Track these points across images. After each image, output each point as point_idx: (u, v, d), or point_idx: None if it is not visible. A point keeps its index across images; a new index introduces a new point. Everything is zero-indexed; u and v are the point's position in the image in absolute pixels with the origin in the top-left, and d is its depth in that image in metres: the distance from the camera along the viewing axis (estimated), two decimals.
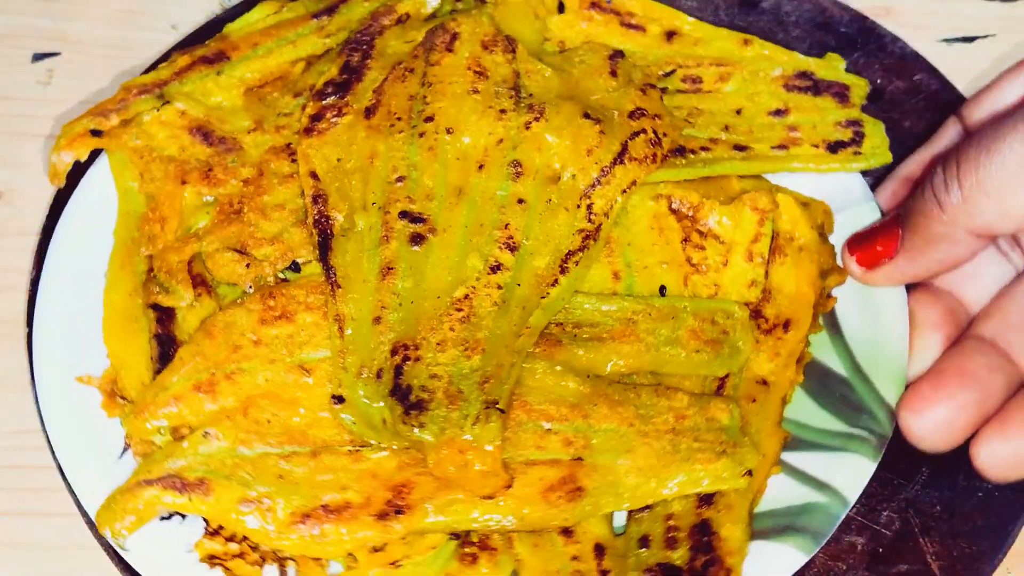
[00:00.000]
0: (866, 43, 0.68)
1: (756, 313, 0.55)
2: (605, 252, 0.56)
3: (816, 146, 0.60)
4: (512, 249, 0.53)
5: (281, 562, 0.48)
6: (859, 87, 0.62)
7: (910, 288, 0.55)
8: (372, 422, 0.49)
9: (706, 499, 0.49)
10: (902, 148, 0.61)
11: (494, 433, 0.47)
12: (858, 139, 0.60)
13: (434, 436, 0.47)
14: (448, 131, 0.56)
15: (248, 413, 0.49)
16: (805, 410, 0.54)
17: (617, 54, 0.62)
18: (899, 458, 0.52)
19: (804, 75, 0.62)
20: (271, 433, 0.49)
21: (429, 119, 0.57)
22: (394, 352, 0.50)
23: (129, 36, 0.71)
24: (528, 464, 0.48)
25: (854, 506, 0.50)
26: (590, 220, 0.54)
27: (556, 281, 0.52)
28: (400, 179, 0.55)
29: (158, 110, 0.59)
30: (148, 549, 0.48)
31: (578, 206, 0.55)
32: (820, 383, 0.54)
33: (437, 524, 0.47)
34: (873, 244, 0.54)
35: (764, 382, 0.53)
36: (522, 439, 0.49)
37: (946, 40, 0.71)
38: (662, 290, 0.55)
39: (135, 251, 0.56)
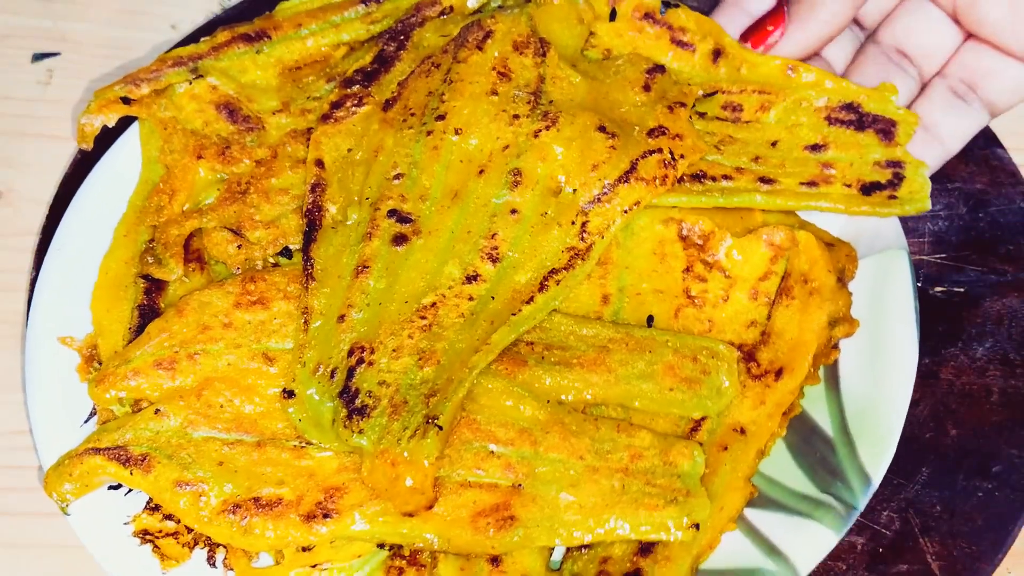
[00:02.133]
0: None
1: (749, 356, 0.53)
2: (599, 273, 0.55)
3: (849, 185, 0.57)
4: (494, 260, 0.52)
5: (211, 547, 0.48)
6: (908, 124, 0.58)
7: None
8: (319, 421, 0.50)
9: (646, 548, 0.48)
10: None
11: (429, 450, 0.46)
12: (896, 182, 0.56)
13: (371, 444, 0.47)
14: (457, 131, 0.56)
15: (202, 395, 0.50)
16: (780, 466, 0.51)
17: (657, 69, 0.60)
18: (899, 458, 0.52)
19: (850, 107, 0.59)
20: (221, 418, 0.50)
21: (441, 117, 0.56)
22: (351, 353, 0.50)
23: (129, 36, 0.73)
24: (464, 485, 0.48)
25: None
26: (582, 238, 0.53)
27: (532, 299, 0.51)
28: (398, 176, 0.55)
29: (191, 83, 0.60)
30: (89, 515, 0.49)
31: (572, 222, 0.54)
32: (803, 439, 0.52)
33: (363, 532, 0.47)
34: (763, 26, 0.59)
35: (742, 430, 0.51)
36: (464, 458, 0.48)
37: None
38: (649, 320, 0.53)
39: (142, 220, 0.58)
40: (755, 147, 0.59)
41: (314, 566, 0.49)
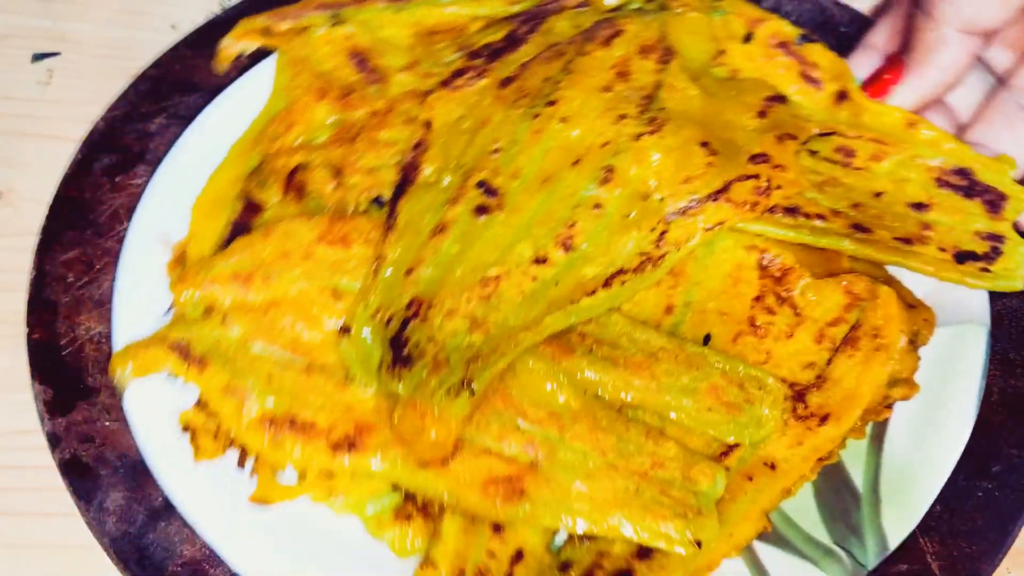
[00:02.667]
0: None
1: (798, 396, 0.53)
2: (669, 283, 0.56)
3: (944, 250, 0.56)
4: (567, 248, 0.54)
5: (243, 452, 0.51)
6: (1019, 200, 0.56)
7: None
8: (367, 361, 0.52)
9: (644, 552, 0.49)
10: None
11: (458, 410, 0.48)
12: (993, 255, 0.56)
13: (406, 392, 0.50)
14: (563, 119, 0.57)
15: (268, 313, 0.54)
16: (800, 507, 0.52)
17: (777, 98, 0.61)
18: None
19: (963, 173, 0.58)
20: (279, 338, 0.53)
21: (551, 103, 0.58)
22: (409, 305, 0.52)
23: (129, 36, 0.73)
24: (484, 451, 0.50)
25: None
26: (657, 246, 0.54)
27: (594, 292, 0.52)
28: (496, 151, 0.57)
29: (330, 28, 0.64)
30: (144, 400, 0.53)
31: (652, 229, 0.55)
32: (832, 487, 0.52)
33: (380, 471, 0.50)
34: (881, 75, 0.59)
35: (773, 466, 0.51)
36: (490, 426, 0.50)
37: None
38: (706, 339, 0.54)
39: (256, 145, 0.62)
40: (858, 194, 0.59)
41: (333, 493, 0.51)
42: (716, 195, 0.55)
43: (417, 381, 0.50)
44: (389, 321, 0.53)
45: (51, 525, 0.55)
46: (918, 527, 0.52)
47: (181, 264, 0.58)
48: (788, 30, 0.63)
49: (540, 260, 0.54)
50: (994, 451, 0.54)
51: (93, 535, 0.52)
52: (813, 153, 0.61)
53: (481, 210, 0.55)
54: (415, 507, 0.51)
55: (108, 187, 0.61)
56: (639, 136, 0.57)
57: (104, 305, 0.57)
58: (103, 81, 0.70)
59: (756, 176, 0.56)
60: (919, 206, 0.58)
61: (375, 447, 0.50)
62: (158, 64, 0.65)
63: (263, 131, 0.63)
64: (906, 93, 0.59)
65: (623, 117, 0.58)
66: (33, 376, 0.56)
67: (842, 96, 0.62)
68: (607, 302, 0.53)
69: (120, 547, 0.51)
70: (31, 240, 0.61)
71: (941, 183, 0.58)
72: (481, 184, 0.56)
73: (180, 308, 0.56)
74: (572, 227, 0.55)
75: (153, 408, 0.54)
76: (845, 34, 0.68)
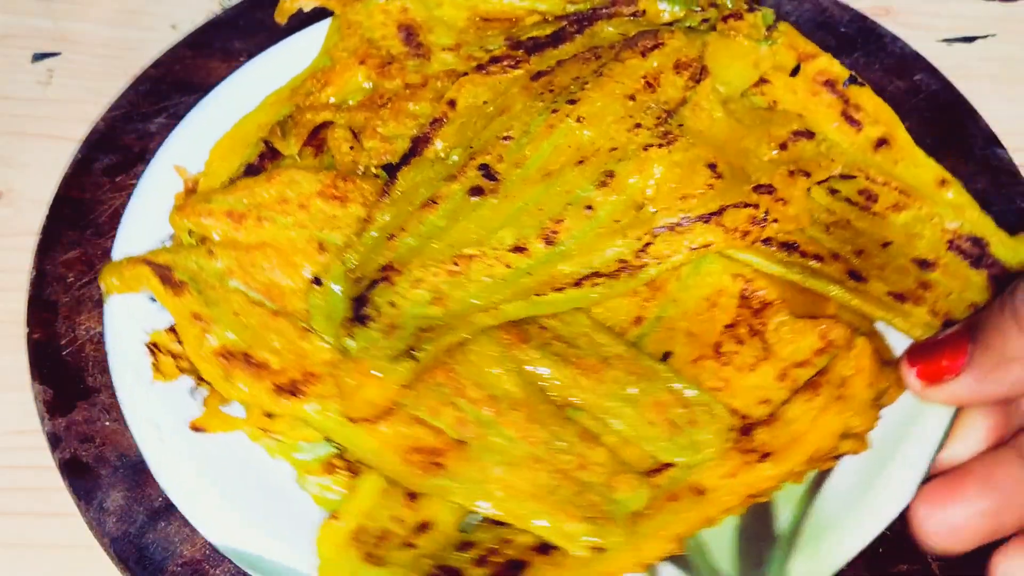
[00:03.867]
0: (866, 43, 0.70)
1: (745, 429, 0.53)
2: (646, 295, 0.57)
3: (935, 314, 0.55)
4: (548, 243, 0.55)
5: (198, 380, 0.54)
6: None
7: None
8: (330, 314, 0.54)
9: (545, 548, 0.49)
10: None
11: (398, 375, 0.50)
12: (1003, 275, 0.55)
13: (355, 349, 0.52)
14: (579, 119, 0.59)
15: (252, 253, 0.56)
16: (719, 539, 0.51)
17: (805, 133, 0.60)
18: None
19: (977, 241, 0.58)
20: (257, 279, 0.56)
21: (572, 101, 0.60)
22: (383, 268, 0.54)
23: (129, 36, 0.74)
24: (416, 420, 0.51)
25: None
26: (638, 256, 0.55)
27: (563, 289, 0.53)
28: (507, 138, 0.59)
29: None
30: (121, 317, 0.56)
31: (638, 239, 0.55)
32: (754, 526, 0.52)
33: (313, 420, 0.52)
34: (939, 357, 0.50)
35: (701, 492, 0.51)
36: (427, 397, 0.52)
37: (946, 40, 0.74)
38: (666, 356, 0.54)
39: (291, 97, 0.64)
40: (866, 240, 0.59)
41: (269, 432, 0.53)
42: (709, 217, 0.56)
43: (369, 340, 0.52)
44: (360, 280, 0.55)
45: (51, 525, 0.56)
46: None
47: (190, 195, 0.61)
48: (837, 69, 0.63)
49: (519, 249, 0.55)
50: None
51: (93, 535, 0.53)
52: (834, 192, 0.60)
53: (476, 191, 0.57)
54: (344, 463, 0.53)
55: (108, 187, 0.63)
56: (647, 147, 0.58)
57: (104, 305, 0.58)
58: (103, 81, 0.71)
59: (755, 206, 0.56)
60: (924, 263, 0.57)
61: (315, 396, 0.52)
62: (158, 64, 0.67)
63: (299, 85, 0.66)
64: (955, 390, 0.50)
65: (638, 126, 0.59)
66: (33, 376, 0.57)
67: (882, 142, 0.62)
68: (573, 302, 0.54)
69: (120, 547, 0.52)
70: (31, 240, 0.63)
71: (952, 246, 0.57)
72: (483, 167, 0.58)
73: (177, 236, 0.59)
74: (559, 223, 0.56)
75: (129, 324, 0.57)
76: (845, 34, 0.69)
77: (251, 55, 0.67)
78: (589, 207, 0.56)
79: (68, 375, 0.57)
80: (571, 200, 0.57)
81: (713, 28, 0.65)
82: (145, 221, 0.61)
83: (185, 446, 0.54)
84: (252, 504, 0.52)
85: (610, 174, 0.57)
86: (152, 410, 0.54)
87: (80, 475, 0.54)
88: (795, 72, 0.64)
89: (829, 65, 0.64)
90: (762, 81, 0.64)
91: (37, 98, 0.71)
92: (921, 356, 0.51)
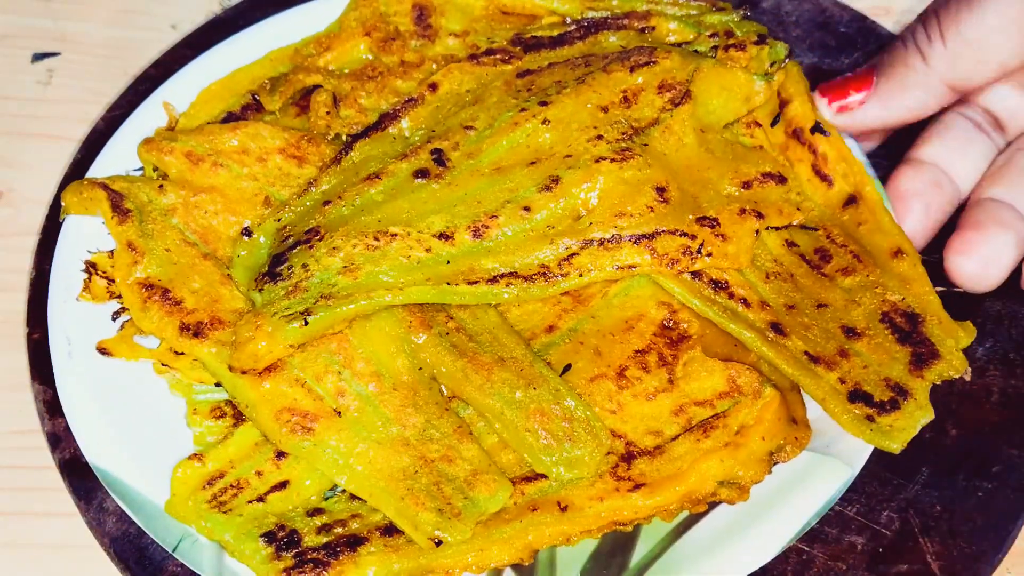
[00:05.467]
0: (866, 43, 0.70)
1: (627, 456, 0.53)
2: (567, 306, 0.58)
3: (843, 382, 0.54)
4: (476, 235, 0.55)
5: (121, 309, 0.57)
6: (949, 366, 0.54)
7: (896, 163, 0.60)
8: (250, 265, 0.56)
9: (391, 529, 0.50)
10: (901, 146, 0.63)
11: (286, 336, 0.51)
12: (888, 407, 0.54)
13: (258, 303, 0.53)
14: (545, 121, 0.59)
15: (200, 195, 0.59)
16: (572, 557, 0.51)
17: (775, 177, 0.60)
18: (899, 458, 0.53)
19: (912, 318, 0.56)
20: (197, 220, 0.58)
21: (544, 103, 0.60)
22: (308, 231, 0.55)
23: (129, 36, 0.74)
24: (299, 381, 0.52)
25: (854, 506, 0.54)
26: (560, 265, 0.54)
27: (476, 283, 0.53)
28: (470, 128, 0.60)
29: None
30: (73, 234, 0.59)
31: (566, 248, 0.55)
32: (609, 553, 0.51)
33: (207, 361, 0.54)
34: (846, 87, 0.60)
35: (564, 508, 0.51)
36: (315, 362, 0.52)
37: None
38: (566, 368, 0.54)
39: (292, 57, 0.66)
40: (802, 297, 0.57)
41: (169, 368, 0.55)
42: (640, 238, 0.55)
43: (272, 297, 0.53)
44: (286, 239, 0.56)
45: (51, 525, 0.56)
46: (918, 527, 0.52)
47: (168, 131, 0.63)
48: (804, 114, 0.62)
49: (445, 236, 0.55)
50: (994, 451, 0.55)
51: (93, 535, 0.54)
52: (790, 244, 0.59)
53: (421, 173, 0.58)
54: (232, 411, 0.54)
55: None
56: (600, 159, 0.57)
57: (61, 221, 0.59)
58: (103, 81, 0.71)
59: (692, 236, 0.56)
60: (851, 331, 0.56)
61: (215, 341, 0.54)
62: (158, 64, 0.68)
63: (304, 47, 0.67)
64: (862, 115, 0.60)
65: (599, 138, 0.58)
66: (33, 376, 0.58)
67: (851, 200, 0.60)
68: (482, 297, 0.54)
69: (120, 547, 0.53)
70: (31, 240, 0.64)
71: (885, 318, 0.56)
72: (436, 152, 0.58)
73: (145, 165, 0.61)
74: (493, 219, 0.56)
75: (77, 243, 0.59)
76: (845, 34, 0.70)
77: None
78: (527, 208, 0.56)
79: None
80: (511, 198, 0.57)
81: (714, 52, 0.64)
82: (123, 151, 0.63)
83: (90, 365, 0.55)
84: (134, 432, 0.54)
85: (555, 179, 0.57)
86: (69, 324, 0.56)
87: (80, 475, 0.54)
88: (775, 122, 0.63)
89: (801, 111, 0.62)
90: (756, 123, 0.62)
91: (37, 98, 0.71)
92: (831, 87, 0.61)
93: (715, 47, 0.65)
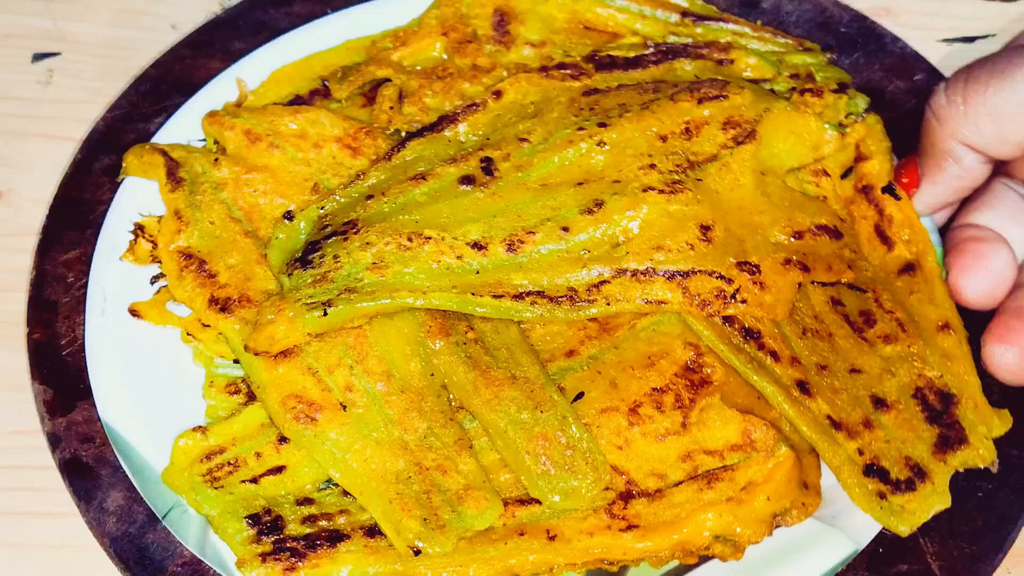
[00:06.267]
0: (866, 43, 0.70)
1: (625, 496, 0.52)
2: (591, 332, 0.56)
3: (862, 453, 0.53)
4: (510, 250, 0.55)
5: (160, 274, 0.58)
6: (976, 454, 0.53)
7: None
8: (286, 249, 0.56)
9: (374, 531, 0.50)
10: (901, 148, 0.62)
11: (304, 324, 0.52)
12: (903, 487, 0.52)
13: (286, 287, 0.53)
14: (599, 143, 0.58)
15: (253, 174, 0.60)
16: None
17: (828, 230, 0.58)
18: None
19: (946, 398, 0.55)
20: (246, 198, 0.59)
21: (603, 124, 0.59)
22: (345, 223, 0.55)
23: (129, 36, 0.73)
24: (311, 370, 0.52)
25: None
26: (588, 291, 0.54)
27: (501, 297, 0.53)
28: (524, 140, 0.59)
29: None
30: (129, 195, 0.61)
31: (596, 273, 0.54)
32: None
33: (229, 336, 0.55)
34: (899, 179, 0.60)
35: (552, 537, 0.50)
36: (330, 354, 0.53)
37: (946, 40, 0.74)
38: (579, 396, 0.53)
39: (369, 48, 0.67)
40: (836, 359, 0.55)
41: (194, 338, 0.56)
42: (674, 275, 0.54)
43: (299, 283, 0.53)
44: (324, 228, 0.56)
45: (51, 525, 0.56)
46: (918, 528, 0.52)
47: (238, 105, 0.65)
48: (879, 172, 0.60)
49: (479, 246, 0.55)
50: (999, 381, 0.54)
51: (93, 535, 0.53)
52: (836, 303, 0.57)
53: (468, 180, 0.57)
54: (247, 389, 0.55)
55: (108, 187, 0.62)
56: (648, 189, 0.56)
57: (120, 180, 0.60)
58: (103, 81, 0.71)
59: (728, 280, 0.54)
60: (880, 402, 0.54)
61: (240, 318, 0.54)
62: (158, 64, 0.68)
63: (381, 39, 0.68)
64: (921, 198, 0.59)
65: (652, 167, 0.57)
66: (33, 376, 0.57)
67: (908, 268, 0.58)
68: (506, 312, 0.53)
69: (120, 547, 0.52)
70: (31, 240, 0.63)
71: (918, 394, 0.54)
72: (486, 160, 0.58)
73: (207, 137, 0.63)
74: (529, 235, 0.55)
75: (132, 204, 0.61)
76: (845, 34, 0.69)
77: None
78: (566, 228, 0.55)
79: (68, 375, 0.57)
80: (552, 216, 0.56)
81: (793, 93, 0.62)
82: (192, 120, 0.64)
83: (120, 324, 0.57)
84: (150, 396, 0.55)
85: (599, 203, 0.56)
86: (108, 282, 0.58)
87: (80, 475, 0.54)
88: (846, 174, 0.61)
89: (877, 168, 0.60)
90: (825, 173, 0.60)
91: (37, 98, 0.71)
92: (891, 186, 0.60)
93: (793, 89, 0.63)
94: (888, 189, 0.59)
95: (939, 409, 0.53)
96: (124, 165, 0.61)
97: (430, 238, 0.55)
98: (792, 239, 0.57)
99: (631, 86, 0.63)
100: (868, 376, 0.54)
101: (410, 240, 0.54)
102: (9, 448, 0.58)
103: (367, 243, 0.54)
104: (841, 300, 0.58)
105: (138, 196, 0.61)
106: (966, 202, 0.60)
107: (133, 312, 0.57)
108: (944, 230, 0.60)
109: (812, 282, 0.57)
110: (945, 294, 0.56)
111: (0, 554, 0.55)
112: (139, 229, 0.60)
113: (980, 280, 0.55)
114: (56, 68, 0.71)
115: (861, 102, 0.62)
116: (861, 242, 0.59)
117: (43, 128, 0.69)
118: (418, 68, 0.66)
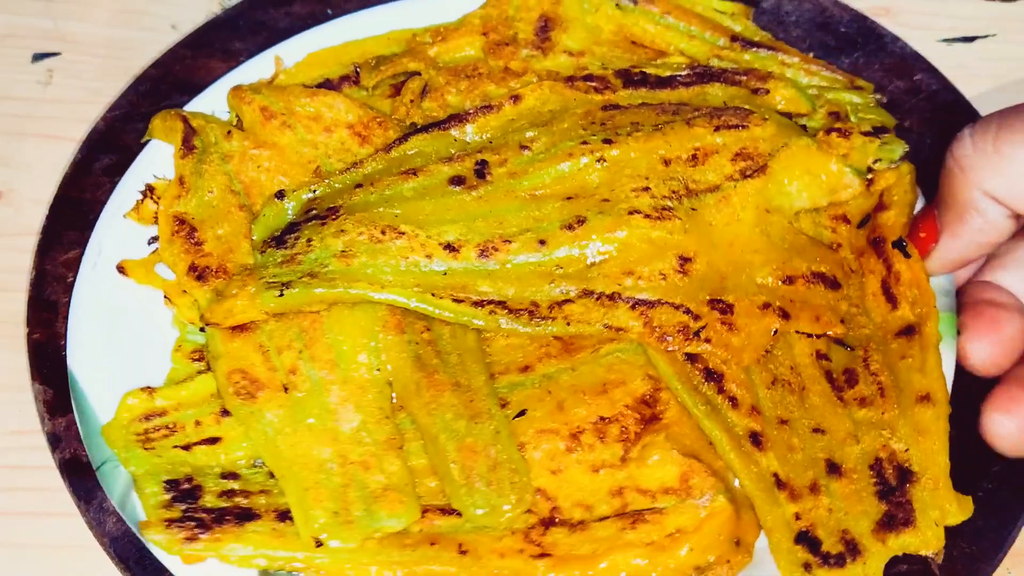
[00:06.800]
0: (866, 43, 0.70)
1: (547, 522, 0.50)
2: (552, 351, 0.55)
3: (799, 518, 0.50)
4: (483, 255, 0.54)
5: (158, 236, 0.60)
6: (924, 539, 0.49)
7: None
8: (270, 227, 0.57)
9: (285, 515, 0.50)
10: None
11: (262, 301, 0.52)
12: (834, 563, 0.49)
13: (253, 263, 0.54)
14: (600, 160, 0.57)
15: (261, 150, 0.61)
16: None
17: (827, 280, 0.56)
18: None
19: (904, 472, 0.52)
20: (248, 174, 0.60)
21: (608, 141, 0.58)
22: (328, 209, 0.56)
23: (129, 36, 0.73)
24: (262, 348, 0.53)
25: None
26: (550, 308, 0.52)
27: (462, 302, 0.52)
28: (525, 147, 0.58)
29: None
30: (151, 157, 0.62)
31: (563, 292, 0.52)
32: None
33: (200, 303, 0.56)
34: (916, 233, 0.56)
35: (464, 552, 0.49)
36: (283, 336, 0.53)
37: (946, 40, 0.74)
38: (522, 412, 0.52)
39: (409, 40, 0.67)
40: (802, 415, 0.53)
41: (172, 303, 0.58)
42: (638, 303, 0.52)
43: (269, 261, 0.54)
44: (310, 211, 0.57)
45: (51, 525, 0.56)
46: None
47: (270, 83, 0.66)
48: (894, 225, 0.57)
49: (451, 248, 0.54)
50: (994, 451, 0.53)
51: (93, 535, 0.54)
52: (820, 357, 0.54)
53: (458, 180, 0.57)
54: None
55: (108, 187, 0.62)
56: (635, 212, 0.54)
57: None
58: (103, 81, 0.71)
59: (695, 316, 0.52)
60: (834, 468, 0.50)
61: (212, 288, 0.55)
62: (158, 64, 0.68)
63: (422, 33, 0.67)
64: (940, 254, 0.55)
65: (646, 190, 0.55)
66: (33, 376, 0.58)
67: (908, 331, 0.54)
68: (462, 316, 0.52)
69: (120, 547, 0.53)
70: (31, 240, 0.63)
71: (875, 466, 0.50)
72: (480, 163, 0.57)
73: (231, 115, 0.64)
74: (505, 243, 0.54)
75: (151, 167, 0.62)
76: (845, 34, 0.69)
77: (251, 55, 0.67)
78: (543, 241, 0.54)
79: (68, 375, 0.56)
80: (532, 227, 0.54)
81: (824, 132, 0.59)
82: (215, 96, 0.64)
83: (109, 280, 0.58)
84: (119, 351, 0.56)
85: (581, 220, 0.54)
86: (107, 238, 0.59)
87: (80, 475, 0.54)
88: (863, 224, 0.57)
89: (889, 220, 0.57)
90: (845, 219, 0.57)
91: (37, 98, 0.71)
92: (909, 237, 0.56)
93: (833, 129, 0.59)
94: (898, 244, 0.55)
95: (893, 485, 0.49)
96: (150, 127, 0.63)
97: (404, 233, 0.54)
98: (781, 283, 0.54)
99: (652, 105, 0.61)
100: (830, 438, 0.51)
101: (383, 233, 0.54)
102: (9, 448, 0.59)
103: (341, 231, 0.54)
104: (828, 355, 0.54)
105: (158, 160, 0.63)
106: (990, 258, 0.56)
107: (120, 268, 0.58)
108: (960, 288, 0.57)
109: (797, 332, 0.54)
110: (936, 364, 0.52)
111: (0, 554, 0.56)
112: (148, 190, 0.61)
113: (990, 348, 0.52)
114: (56, 68, 0.72)
115: (898, 149, 0.58)
116: (866, 297, 0.56)
117: (43, 128, 0.70)
118: (447, 64, 0.66)
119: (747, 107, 0.60)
